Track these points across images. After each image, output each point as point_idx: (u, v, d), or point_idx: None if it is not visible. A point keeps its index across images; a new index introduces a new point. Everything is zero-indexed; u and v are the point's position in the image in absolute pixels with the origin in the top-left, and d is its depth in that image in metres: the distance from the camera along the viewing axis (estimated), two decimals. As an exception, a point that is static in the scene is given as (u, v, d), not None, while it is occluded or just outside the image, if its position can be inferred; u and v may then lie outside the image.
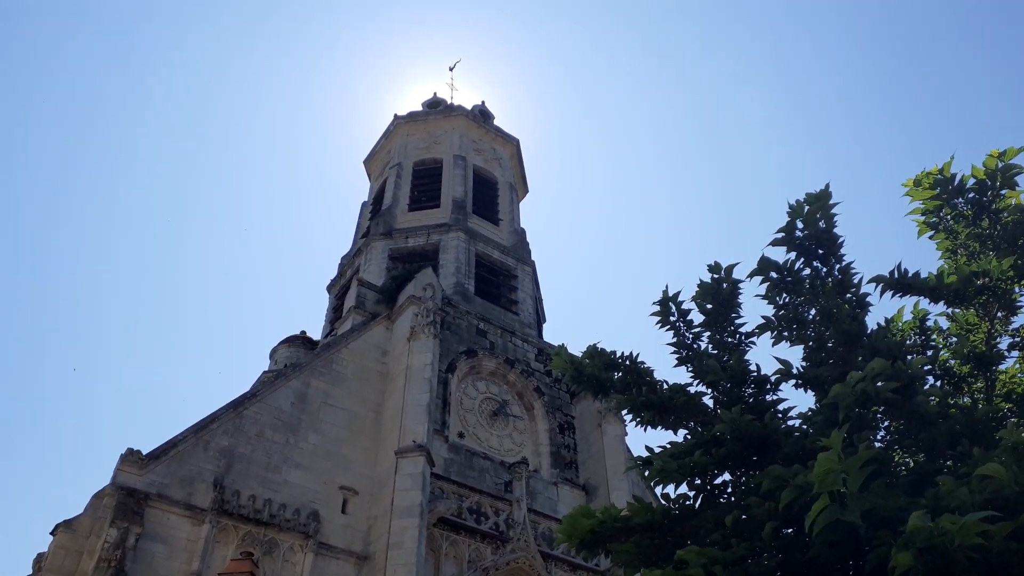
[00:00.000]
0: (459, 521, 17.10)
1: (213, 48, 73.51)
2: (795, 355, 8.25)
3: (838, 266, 7.89)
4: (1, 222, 60.93)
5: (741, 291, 8.31)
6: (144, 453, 14.92)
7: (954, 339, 8.23)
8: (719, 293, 8.26)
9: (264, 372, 21.78)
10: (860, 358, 7.00)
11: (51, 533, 13.71)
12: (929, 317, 8.37)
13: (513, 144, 31.12)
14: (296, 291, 71.23)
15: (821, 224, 7.82)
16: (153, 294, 67.36)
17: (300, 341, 23.13)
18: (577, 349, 8.47)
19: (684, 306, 8.41)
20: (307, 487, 16.24)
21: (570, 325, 67.71)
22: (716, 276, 8.27)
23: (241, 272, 72.41)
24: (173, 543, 14.14)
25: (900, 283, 7.74)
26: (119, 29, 68.07)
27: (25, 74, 63.03)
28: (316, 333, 24.31)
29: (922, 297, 7.92)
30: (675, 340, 8.40)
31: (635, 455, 17.07)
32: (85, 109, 67.41)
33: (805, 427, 7.01)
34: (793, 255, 7.85)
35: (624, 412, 8.06)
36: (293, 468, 16.40)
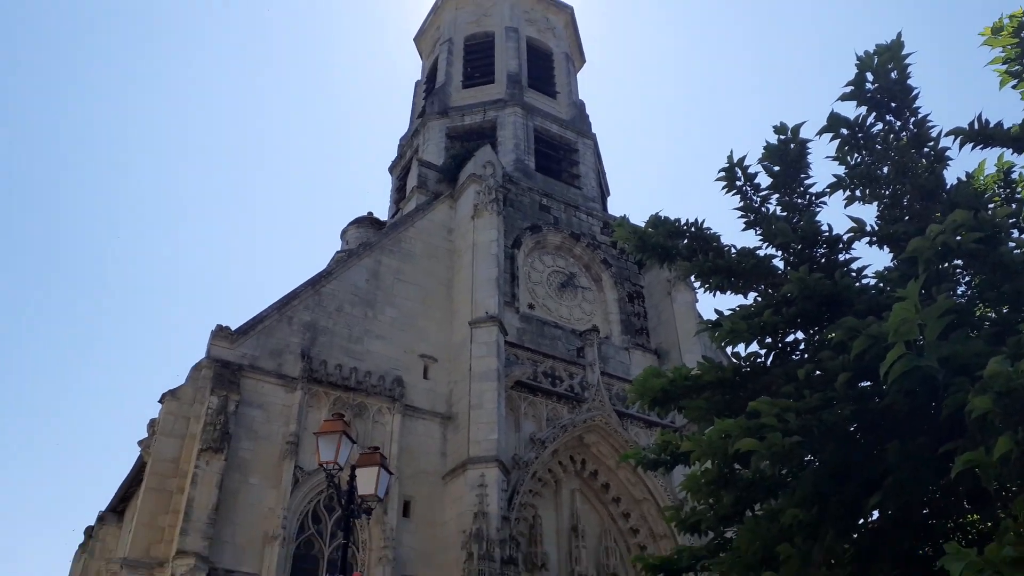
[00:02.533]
0: (535, 384, 17.92)
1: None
2: (869, 214, 8.07)
3: (913, 119, 7.56)
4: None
5: (810, 151, 8.08)
6: (233, 329, 15.91)
7: (1041, 190, 7.96)
8: (786, 154, 8.04)
9: (337, 252, 22.54)
10: (939, 213, 6.86)
11: (159, 401, 15.02)
12: (1014, 169, 8.08)
13: (567, 12, 29.79)
14: (362, 174, 71.91)
15: (893, 76, 7.44)
16: (229, 181, 68.98)
17: (368, 222, 23.69)
18: (643, 220, 8.42)
19: (751, 170, 8.23)
20: (388, 356, 17.18)
21: (636, 197, 66.95)
22: (783, 137, 8.02)
23: (310, 157, 73.18)
24: (270, 408, 15.34)
25: (981, 134, 7.40)
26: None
27: None
28: (383, 213, 24.82)
29: (1006, 149, 7.61)
30: (742, 204, 8.23)
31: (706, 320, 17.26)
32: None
33: (880, 285, 6.97)
34: (864, 110, 7.51)
35: (692, 278, 8.12)
36: (374, 339, 17.31)
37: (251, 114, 71.93)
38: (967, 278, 6.48)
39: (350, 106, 75.49)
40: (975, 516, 5.53)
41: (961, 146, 7.45)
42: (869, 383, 5.76)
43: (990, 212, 6.22)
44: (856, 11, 70.71)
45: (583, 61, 30.58)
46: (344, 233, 23.68)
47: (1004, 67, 7.92)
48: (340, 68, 75.66)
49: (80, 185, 66.13)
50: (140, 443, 15.48)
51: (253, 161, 71.04)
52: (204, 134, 70.18)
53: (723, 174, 8.29)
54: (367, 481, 9.98)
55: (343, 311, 17.42)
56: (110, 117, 66.56)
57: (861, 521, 5.77)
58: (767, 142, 8.06)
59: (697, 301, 20.43)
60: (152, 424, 15.14)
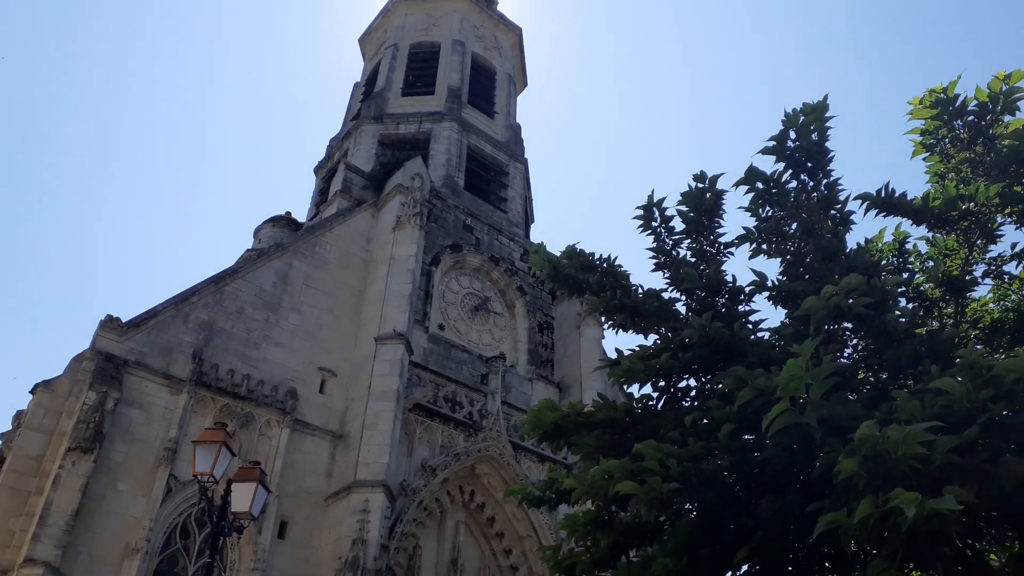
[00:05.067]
0: (434, 408, 17.53)
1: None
2: (773, 269, 8.27)
3: (825, 181, 7.84)
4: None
5: (725, 201, 8.27)
6: (124, 321, 15.00)
7: (930, 263, 8.28)
8: (702, 202, 8.22)
9: (247, 250, 21.69)
10: (837, 275, 7.04)
11: (30, 392, 13.95)
12: (909, 240, 8.39)
13: (516, 33, 29.98)
14: (284, 171, 70.26)
15: (814, 136, 7.71)
16: (142, 161, 66.24)
17: (285, 222, 22.93)
18: (561, 250, 8.50)
19: (668, 212, 8.38)
20: (286, 365, 16.49)
21: (558, 227, 67.58)
22: (700, 185, 8.21)
23: (230, 145, 71.09)
24: (151, 410, 14.43)
25: (886, 202, 7.71)
26: None
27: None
28: (302, 215, 24.11)
29: (905, 219, 7.91)
30: (655, 245, 8.44)
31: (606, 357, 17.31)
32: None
33: (774, 340, 7.12)
34: (782, 166, 7.78)
35: (599, 313, 8.17)
36: (272, 346, 16.60)
37: (172, 93, 69.52)
38: (854, 341, 6.66)
39: (283, 98, 73.98)
40: None
41: (867, 211, 7.73)
42: (751, 436, 5.81)
43: (882, 279, 6.40)
44: (802, 55, 74.03)
45: (525, 84, 30.81)
46: (258, 231, 22.85)
47: (920, 138, 8.28)
48: (278, 57, 74.17)
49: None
50: (1, 436, 14.33)
51: (170, 146, 68.54)
52: (119, 110, 67.40)
53: (640, 212, 8.43)
54: (242, 497, 9.49)
55: (244, 313, 16.67)
56: (15, 91, 63.20)
57: (729, 574, 5.78)
58: (689, 186, 8.20)
59: (604, 338, 20.55)
60: (18, 416, 14.03)
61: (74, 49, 65.27)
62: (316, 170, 26.23)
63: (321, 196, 24.27)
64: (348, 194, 20.73)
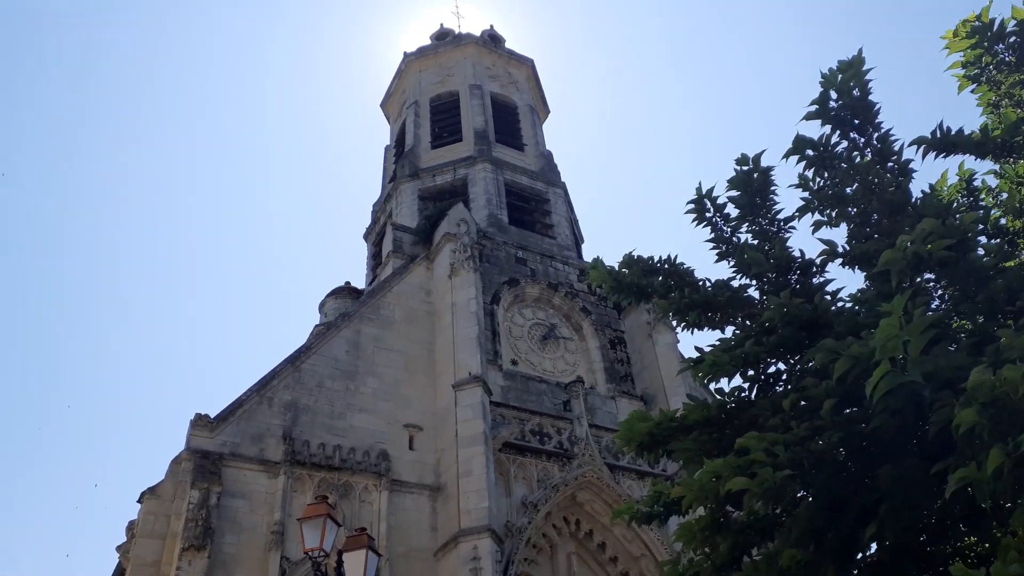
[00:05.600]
0: (523, 444, 17.42)
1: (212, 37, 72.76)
2: (839, 236, 8.00)
3: (876, 135, 7.56)
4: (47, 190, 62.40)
5: (774, 177, 8.07)
6: (212, 416, 15.45)
7: (1004, 195, 7.89)
8: (751, 183, 8.01)
9: (316, 326, 22.20)
10: (908, 228, 6.76)
11: (138, 501, 14.41)
12: (976, 177, 8.02)
13: (528, 65, 30.31)
14: (336, 245, 71.98)
15: (855, 92, 7.45)
16: (194, 266, 68.81)
17: (346, 292, 23.44)
18: (617, 262, 8.36)
19: (720, 200, 8.20)
20: (372, 429, 16.69)
21: (610, 240, 67.27)
22: (745, 167, 8.02)
23: (280, 235, 73.33)
24: (253, 497, 14.73)
25: (943, 142, 7.38)
26: None
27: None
28: (360, 282, 24.63)
29: (968, 155, 7.58)
30: (713, 236, 8.20)
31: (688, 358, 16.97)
32: (102, 65, 67.78)
33: (857, 306, 6.86)
34: (828, 129, 7.55)
35: (669, 316, 8.00)
36: (356, 412, 16.85)
37: (218, 197, 72.25)
38: (939, 291, 6.36)
39: (319, 180, 76.12)
40: (973, 538, 5.29)
41: (924, 156, 7.39)
42: (855, 408, 5.57)
43: (958, 219, 6.11)
44: (816, 36, 72.73)
45: (547, 111, 31.00)
46: (322, 306, 23.39)
47: (963, 71, 7.96)
48: (304, 143, 76.52)
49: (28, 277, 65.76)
50: (119, 548, 14.79)
51: (220, 242, 71.02)
52: (173, 214, 70.32)
53: (692, 206, 8.24)
54: (355, 566, 9.54)
55: (324, 387, 17.00)
56: (74, 198, 66.69)
57: (860, 556, 5.50)
58: (734, 170, 8.02)
59: (678, 342, 20.19)
60: (131, 526, 14.49)
61: (126, 161, 68.60)
62: (365, 236, 26.79)
63: (375, 260, 24.75)
64: (400, 253, 21.13)
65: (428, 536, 15.58)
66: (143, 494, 14.44)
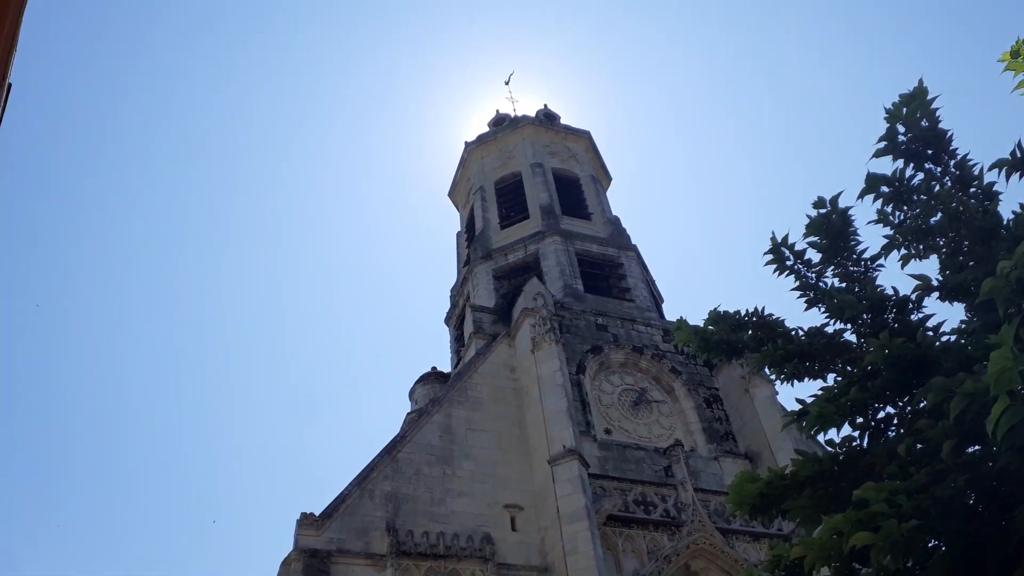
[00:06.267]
0: (628, 515, 16.97)
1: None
2: (928, 270, 7.74)
3: (952, 162, 7.41)
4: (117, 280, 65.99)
5: (853, 218, 7.94)
6: (317, 514, 15.71)
7: (1104, 204, 7.52)
8: (830, 225, 7.87)
9: (408, 413, 22.55)
10: (1003, 252, 6.52)
11: (255, 606, 14.65)
12: (1067, 191, 7.71)
13: (584, 137, 30.99)
14: (420, 334, 73.29)
15: (924, 123, 7.36)
16: (275, 372, 71.02)
17: (433, 377, 23.82)
18: (701, 319, 8.27)
19: (797, 247, 8.09)
20: (473, 512, 16.62)
21: (691, 299, 66.28)
22: (823, 210, 7.92)
23: (364, 330, 75.29)
24: (363, 592, 14.79)
25: (1024, 160, 7.18)
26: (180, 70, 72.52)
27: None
28: (445, 366, 24.97)
29: (1055, 170, 7.31)
30: (798, 284, 8.04)
31: (790, 411, 16.43)
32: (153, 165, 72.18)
33: (962, 341, 6.59)
34: (900, 163, 7.44)
35: (765, 369, 7.84)
36: (456, 497, 16.84)
37: (296, 304, 74.96)
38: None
39: (395, 272, 78.25)
40: None
41: (1008, 177, 7.18)
42: (977, 447, 5.30)
43: (1056, 237, 5.88)
44: (868, 75, 71.68)
45: (609, 179, 31.40)
46: (412, 393, 23.79)
47: (1029, 89, 7.74)
48: (377, 243, 79.13)
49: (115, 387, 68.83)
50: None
51: (306, 340, 73.27)
52: (271, 323, 73.13)
53: (771, 256, 8.12)
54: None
55: (421, 474, 17.13)
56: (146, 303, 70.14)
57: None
58: (808, 217, 7.93)
59: (777, 394, 19.49)
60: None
61: (222, 286, 72.23)
62: (446, 321, 27.33)
63: (458, 343, 25.14)
64: (481, 333, 21.46)
65: (543, 620, 15.23)
66: (257, 601, 14.68)
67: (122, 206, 68.16)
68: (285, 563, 15.21)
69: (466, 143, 31.26)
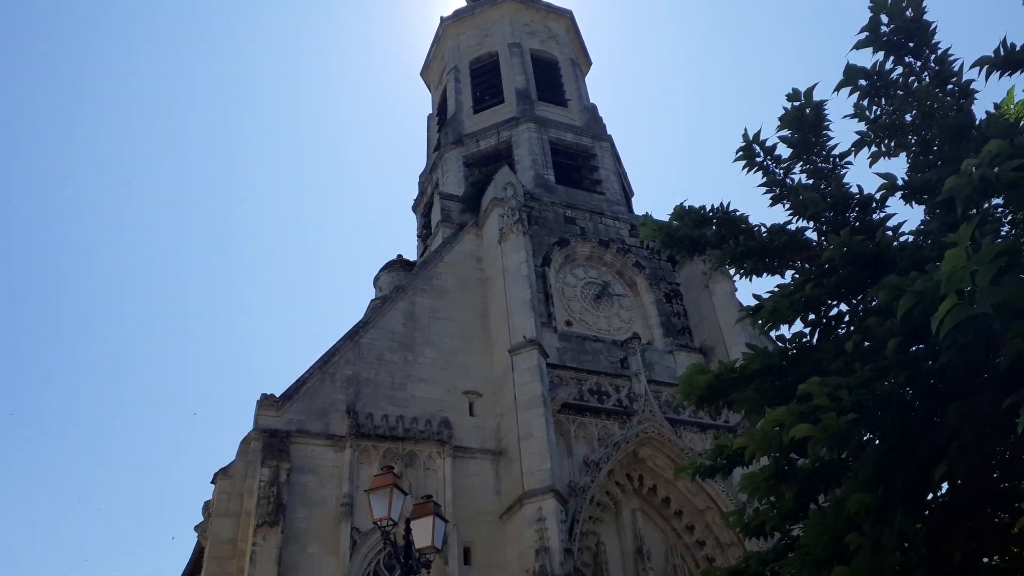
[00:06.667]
0: (582, 403, 17.39)
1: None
2: (898, 168, 7.56)
3: (933, 57, 7.12)
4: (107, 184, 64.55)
5: (827, 111, 7.70)
6: (277, 396, 15.81)
7: (1079, 110, 7.33)
8: (803, 120, 7.66)
9: (372, 300, 22.48)
10: (972, 152, 6.36)
11: (212, 482, 14.92)
12: (1047, 92, 7.48)
13: (566, 17, 29.57)
14: (386, 219, 72.69)
15: (908, 14, 7.03)
16: (250, 249, 70.37)
17: (399, 264, 23.60)
18: (668, 214, 8.11)
19: (769, 143, 7.86)
20: (433, 398, 16.86)
21: (661, 192, 66.16)
22: (796, 103, 7.66)
23: (330, 214, 74.34)
24: (321, 472, 15.08)
25: (1009, 60, 6.86)
26: None
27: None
28: (411, 254, 24.76)
29: (1035, 73, 7.06)
30: (766, 180, 7.89)
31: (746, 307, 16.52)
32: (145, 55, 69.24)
33: (920, 240, 6.52)
34: (881, 55, 7.13)
35: (727, 266, 7.76)
36: (416, 383, 17.03)
37: (265, 179, 73.41)
38: (1009, 217, 5.97)
39: (363, 154, 76.58)
40: None
41: (988, 76, 6.91)
42: (922, 346, 5.29)
43: (1027, 138, 5.70)
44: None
45: (589, 64, 30.26)
46: (376, 280, 23.62)
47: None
48: (345, 119, 76.92)
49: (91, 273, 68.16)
50: (196, 528, 15.37)
51: (272, 225, 72.35)
52: (226, 206, 71.82)
53: (741, 153, 7.93)
54: (423, 533, 9.72)
55: (383, 359, 17.21)
56: (127, 186, 68.66)
57: (931, 497, 5.28)
58: (784, 109, 7.68)
59: (736, 290, 19.67)
60: (207, 506, 15.03)
61: (178, 130, 70.27)
62: (414, 208, 26.87)
63: (425, 231, 24.80)
64: (449, 222, 21.15)
65: (493, 500, 15.76)
66: (216, 475, 14.93)
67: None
68: (244, 442, 15.40)
69: (441, 18, 29.68)
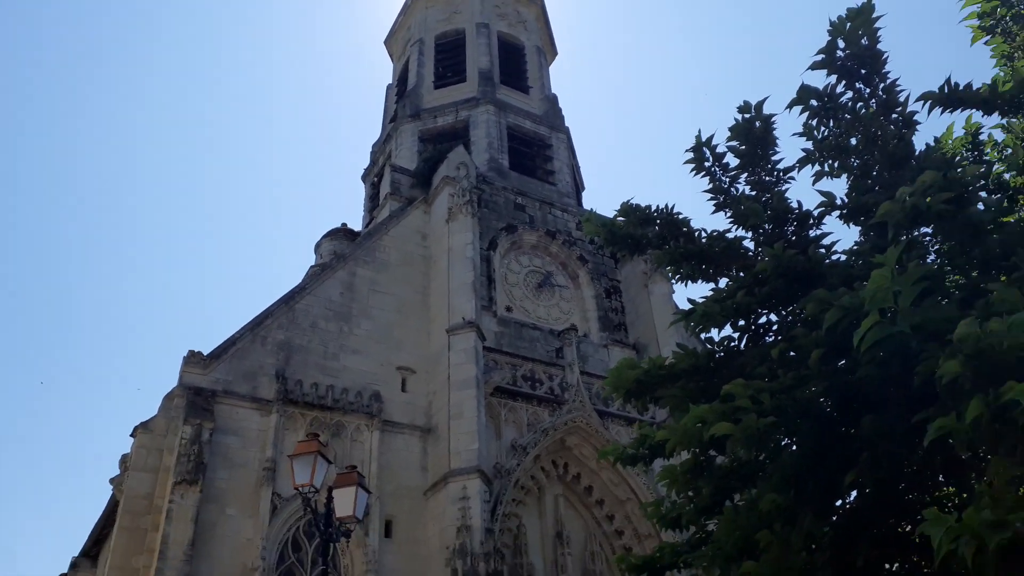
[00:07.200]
0: (515, 388, 17.61)
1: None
2: (840, 189, 7.88)
3: (882, 85, 7.42)
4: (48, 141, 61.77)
5: (776, 127, 7.93)
6: (205, 354, 15.48)
7: (1008, 151, 7.76)
8: (752, 132, 7.88)
9: (311, 267, 22.15)
10: (909, 181, 6.66)
11: (131, 435, 14.55)
12: (982, 130, 7.88)
13: (537, 4, 29.53)
14: (334, 185, 71.49)
15: (864, 41, 7.29)
16: (194, 203, 68.39)
17: (342, 233, 23.28)
18: (615, 211, 8.24)
19: (719, 150, 8.06)
20: (365, 370, 16.77)
21: (612, 188, 66.85)
22: (747, 115, 7.87)
23: (278, 172, 72.72)
24: (245, 434, 14.88)
25: (951, 97, 7.22)
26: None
27: None
28: (357, 224, 24.45)
29: (975, 110, 7.43)
30: (712, 186, 8.10)
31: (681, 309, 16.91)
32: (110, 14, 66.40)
33: (852, 259, 6.81)
34: (834, 79, 7.39)
35: (665, 267, 7.95)
36: (350, 354, 16.91)
37: (214, 128, 71.38)
38: (936, 246, 6.31)
39: (319, 116, 75.14)
40: (951, 488, 5.37)
41: (931, 111, 7.25)
42: (843, 359, 5.56)
43: (959, 173, 6.02)
44: (823, -4, 71.07)
45: (555, 54, 30.35)
46: (318, 247, 23.26)
47: (978, 22, 7.78)
48: (306, 78, 75.29)
49: (37, 209, 65.47)
50: (112, 481, 14.99)
51: (218, 178, 70.48)
52: (167, 152, 69.61)
53: (691, 155, 8.10)
54: (345, 502, 9.69)
55: (318, 327, 17.01)
56: (69, 134, 65.97)
57: (840, 502, 5.58)
58: (735, 119, 7.88)
59: (673, 292, 20.18)
60: (124, 460, 14.67)
61: (128, 93, 67.62)
62: (363, 178, 26.50)
63: (372, 202, 24.53)
64: (398, 195, 20.94)
65: (418, 476, 15.82)
66: (136, 428, 14.57)
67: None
68: (168, 398, 15.07)
69: (412, -13, 29.29)
